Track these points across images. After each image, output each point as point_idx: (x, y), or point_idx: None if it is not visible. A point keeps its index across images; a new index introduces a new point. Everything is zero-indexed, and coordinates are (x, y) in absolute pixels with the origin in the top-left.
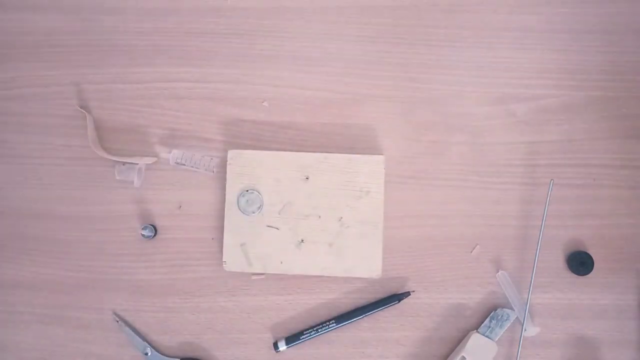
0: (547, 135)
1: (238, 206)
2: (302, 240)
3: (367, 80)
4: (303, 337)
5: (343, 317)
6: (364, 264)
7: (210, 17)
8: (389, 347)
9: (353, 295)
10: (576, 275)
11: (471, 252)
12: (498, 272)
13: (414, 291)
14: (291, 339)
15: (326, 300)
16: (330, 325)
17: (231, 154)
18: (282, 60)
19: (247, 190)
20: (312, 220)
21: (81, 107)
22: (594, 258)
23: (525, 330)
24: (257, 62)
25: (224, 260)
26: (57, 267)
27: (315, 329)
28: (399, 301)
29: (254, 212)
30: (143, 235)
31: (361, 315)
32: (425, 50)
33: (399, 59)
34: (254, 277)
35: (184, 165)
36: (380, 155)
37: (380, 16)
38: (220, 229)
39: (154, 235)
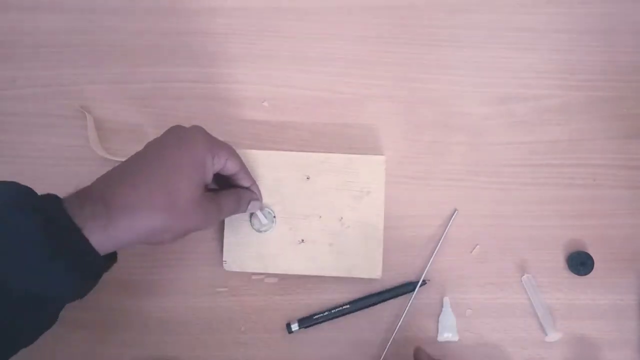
0: (547, 135)
1: (252, 225)
2: (302, 240)
3: (367, 80)
4: (316, 318)
5: (358, 302)
6: (364, 264)
7: (210, 17)
8: (389, 347)
9: (353, 296)
10: (576, 275)
11: (471, 252)
12: (523, 275)
13: (429, 280)
14: (304, 321)
15: (326, 300)
16: (344, 309)
17: None
18: (282, 60)
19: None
20: (312, 220)
21: (81, 107)
22: (594, 258)
23: (547, 335)
24: (257, 62)
25: (224, 260)
26: None
27: (331, 310)
28: (414, 290)
29: (266, 230)
30: None
31: (376, 301)
32: (425, 50)
33: (399, 59)
34: (254, 277)
35: None
36: (381, 156)
37: (380, 16)
38: (220, 229)
39: None
